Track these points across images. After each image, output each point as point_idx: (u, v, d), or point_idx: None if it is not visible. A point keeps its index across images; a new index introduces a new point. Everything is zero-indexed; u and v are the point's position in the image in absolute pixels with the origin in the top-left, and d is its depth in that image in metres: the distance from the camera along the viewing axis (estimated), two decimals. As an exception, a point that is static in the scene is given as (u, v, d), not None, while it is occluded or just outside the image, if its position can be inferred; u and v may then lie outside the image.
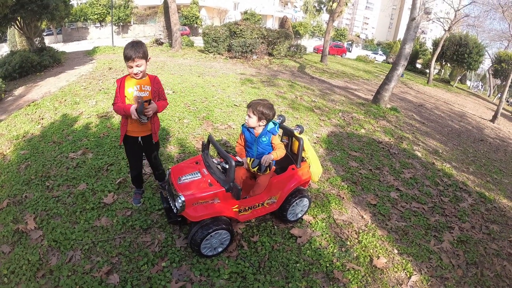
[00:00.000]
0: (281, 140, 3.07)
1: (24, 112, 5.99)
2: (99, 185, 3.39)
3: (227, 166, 2.47)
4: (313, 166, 2.97)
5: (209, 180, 2.38)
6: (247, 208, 2.56)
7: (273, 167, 2.86)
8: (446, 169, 5.27)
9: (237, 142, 2.84)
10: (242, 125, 2.76)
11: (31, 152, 4.20)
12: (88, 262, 2.45)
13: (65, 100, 6.39)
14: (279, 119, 2.91)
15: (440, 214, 3.76)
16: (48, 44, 15.37)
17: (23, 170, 3.75)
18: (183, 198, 2.20)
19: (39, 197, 3.21)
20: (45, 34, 21.56)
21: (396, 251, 2.94)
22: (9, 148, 4.44)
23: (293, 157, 2.94)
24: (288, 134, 2.96)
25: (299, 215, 3.06)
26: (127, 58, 2.45)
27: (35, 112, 5.89)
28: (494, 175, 5.70)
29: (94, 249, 2.57)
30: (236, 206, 2.45)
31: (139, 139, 2.74)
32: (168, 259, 2.47)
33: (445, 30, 22.24)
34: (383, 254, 2.86)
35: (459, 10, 20.75)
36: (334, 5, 20.25)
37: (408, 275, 2.68)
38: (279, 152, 2.62)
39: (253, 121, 2.57)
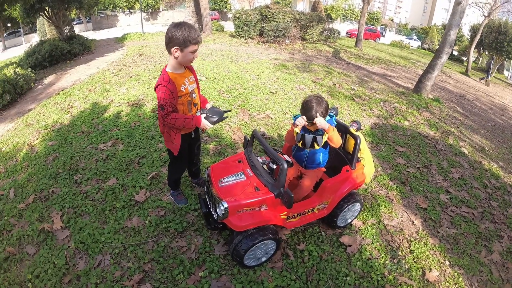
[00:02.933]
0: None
1: (53, 100, 5.94)
2: (130, 180, 3.17)
3: (274, 166, 2.16)
4: (367, 167, 2.64)
5: (255, 184, 2.07)
6: (295, 214, 2.25)
7: (323, 168, 2.52)
8: (494, 169, 4.91)
9: (285, 139, 2.49)
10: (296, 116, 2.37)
11: (59, 143, 4.08)
12: (118, 268, 2.25)
13: (95, 88, 6.29)
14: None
15: (489, 220, 3.48)
16: (78, 32, 15.52)
17: (51, 163, 3.62)
18: (226, 205, 1.91)
19: (66, 192, 3.04)
20: (74, 23, 21.96)
21: (447, 263, 2.71)
22: (37, 139, 4.34)
23: (347, 157, 2.57)
24: (342, 131, 2.56)
25: (349, 221, 2.75)
26: (195, 42, 2.04)
27: (65, 101, 5.81)
28: None
29: (124, 254, 2.36)
30: (285, 213, 2.14)
31: (192, 132, 2.48)
32: (206, 268, 2.22)
33: (484, 16, 20.57)
34: (435, 266, 2.63)
35: (500, -6, 19.07)
36: (367, -14, 19.15)
37: None
38: (336, 134, 2.26)
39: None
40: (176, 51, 2.05)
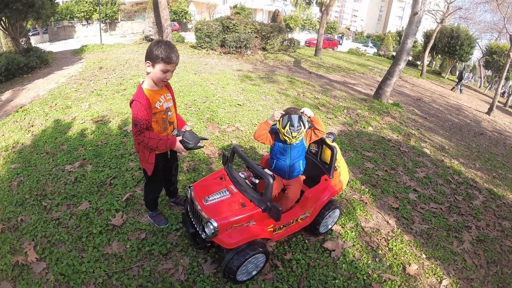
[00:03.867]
0: (308, 148, 2.82)
1: (12, 119, 5.53)
2: (104, 203, 3.03)
3: (256, 181, 2.20)
4: (343, 175, 2.78)
5: (240, 200, 2.09)
6: (281, 226, 2.30)
7: (303, 176, 2.61)
8: (455, 166, 5.33)
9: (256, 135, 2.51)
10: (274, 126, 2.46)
11: (22, 166, 3.79)
12: None
13: (55, 104, 5.95)
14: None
15: (457, 213, 3.80)
16: (34, 44, 14.69)
17: (16, 188, 3.35)
18: (215, 224, 1.91)
19: (36, 220, 2.83)
20: (30, 34, 20.68)
21: (424, 256, 2.93)
22: (-2, 162, 4.01)
23: (324, 167, 2.68)
24: (318, 142, 2.68)
25: (330, 227, 2.87)
26: (170, 62, 2.01)
27: (24, 119, 5.45)
28: (499, 170, 5.79)
29: (109, 282, 2.24)
30: (272, 225, 2.18)
31: (168, 152, 2.44)
32: (197, 289, 2.19)
33: (437, 22, 22.27)
34: (413, 261, 2.83)
35: (451, 2, 20.77)
36: (325, -2, 20.02)
37: (439, 280, 2.70)
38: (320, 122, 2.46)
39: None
40: (148, 65, 2.05)
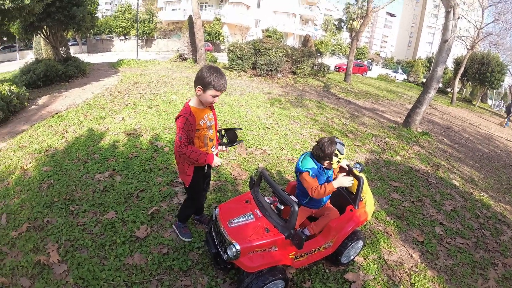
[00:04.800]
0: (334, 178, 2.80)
1: (47, 123, 5.85)
2: (130, 214, 3.11)
3: (282, 207, 2.20)
4: (369, 205, 2.72)
5: (264, 225, 2.09)
6: (303, 254, 2.28)
7: (328, 204, 2.59)
8: (484, 199, 5.10)
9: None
10: (311, 168, 2.43)
11: (54, 170, 3.98)
12: None
13: (90, 114, 6.26)
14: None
15: (483, 249, 3.61)
16: (73, 54, 15.60)
17: (45, 190, 3.52)
18: (238, 247, 1.93)
19: (62, 223, 2.95)
20: (70, 44, 22.07)
21: None
22: (30, 163, 4.23)
23: (350, 197, 2.65)
24: (346, 172, 2.66)
25: (352, 257, 2.79)
26: (220, 89, 2.20)
27: (59, 125, 5.74)
28: None
29: (127, 292, 2.28)
30: (293, 253, 2.16)
31: (206, 167, 2.55)
32: (214, 310, 2.18)
33: (467, 49, 21.79)
34: None
35: (481, 28, 20.32)
36: (355, 23, 20.34)
37: None
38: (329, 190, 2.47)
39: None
40: (199, 90, 2.21)
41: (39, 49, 18.30)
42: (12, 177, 3.86)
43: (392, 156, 6.07)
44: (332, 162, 2.40)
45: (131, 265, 2.51)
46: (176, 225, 2.89)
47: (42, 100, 8.12)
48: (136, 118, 6.01)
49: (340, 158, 2.41)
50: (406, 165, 5.74)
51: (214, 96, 2.22)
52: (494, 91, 31.54)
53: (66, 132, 5.34)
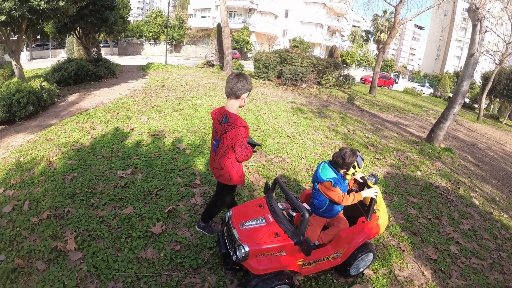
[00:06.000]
0: (350, 189, 2.81)
1: (75, 119, 6.15)
2: (147, 211, 3.25)
3: (294, 214, 2.24)
4: (382, 218, 2.70)
5: (275, 230, 2.14)
6: (311, 261, 2.30)
7: (341, 214, 2.61)
8: (504, 220, 4.91)
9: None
10: (332, 178, 2.48)
11: (78, 163, 4.18)
12: None
13: (117, 113, 6.52)
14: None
15: (498, 271, 3.48)
16: (104, 55, 16.34)
17: (68, 182, 3.70)
18: (247, 249, 1.99)
19: (82, 214, 3.10)
20: (101, 45, 23.08)
21: None
22: (56, 155, 4.45)
23: (363, 208, 2.65)
24: (360, 183, 2.67)
25: (361, 270, 2.78)
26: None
27: (87, 122, 6.02)
28: None
29: (137, 284, 2.38)
30: (302, 259, 2.19)
31: None
32: (220, 310, 2.24)
33: (496, 63, 20.98)
34: None
35: (510, 43, 19.52)
36: (382, 35, 20.11)
37: None
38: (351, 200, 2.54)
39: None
40: (248, 96, 2.45)
41: (71, 48, 19.25)
42: (37, 167, 4.09)
43: (412, 171, 5.94)
44: (348, 172, 2.43)
45: (144, 259, 2.62)
46: (201, 226, 2.99)
47: (71, 98, 8.55)
48: (161, 120, 6.21)
49: (356, 171, 2.44)
50: (426, 181, 5.60)
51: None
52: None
53: (93, 129, 5.60)
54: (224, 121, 2.39)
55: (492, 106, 30.48)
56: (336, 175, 2.45)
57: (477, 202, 5.27)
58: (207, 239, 2.91)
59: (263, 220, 2.23)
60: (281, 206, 2.38)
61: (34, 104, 6.89)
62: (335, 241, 2.40)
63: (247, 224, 2.19)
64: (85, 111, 6.80)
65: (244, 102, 2.46)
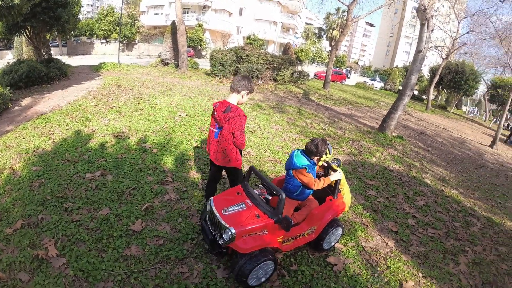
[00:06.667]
0: (317, 173, 3.10)
1: (32, 124, 5.82)
2: (124, 210, 3.27)
3: (269, 197, 2.46)
4: (346, 197, 3.04)
5: (255, 212, 2.34)
6: (289, 238, 2.55)
7: (311, 196, 2.88)
8: (455, 195, 5.50)
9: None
10: (306, 165, 2.74)
11: (44, 169, 4.03)
12: None
13: (76, 116, 6.29)
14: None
15: (454, 238, 3.97)
16: (53, 55, 15.31)
17: (37, 189, 3.57)
18: (233, 231, 2.17)
19: (58, 220, 3.04)
20: (50, 45, 21.65)
21: (421, 275, 3.11)
22: (18, 163, 4.24)
23: (329, 189, 2.95)
24: (325, 167, 2.99)
25: (332, 244, 3.10)
26: (252, 92, 2.97)
27: (45, 126, 5.74)
28: (498, 200, 5.94)
29: (127, 281, 2.44)
30: (281, 237, 2.42)
31: None
32: (210, 291, 2.39)
33: (443, 58, 22.90)
34: (410, 278, 3.04)
35: (457, 39, 21.51)
36: (335, 32, 21.06)
37: None
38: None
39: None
40: (247, 94, 2.92)
41: (20, 49, 17.87)
42: (1, 177, 3.88)
43: (368, 158, 6.47)
44: (320, 159, 2.72)
45: (129, 256, 2.68)
46: None
47: (25, 101, 8.02)
48: (122, 121, 6.11)
49: (327, 157, 2.74)
50: (381, 165, 6.14)
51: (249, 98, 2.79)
52: (469, 98, 33.16)
53: (53, 133, 5.36)
54: (227, 110, 2.74)
55: (440, 97, 33.24)
56: (309, 162, 2.70)
57: (428, 182, 5.86)
58: (188, 231, 3.03)
59: (243, 205, 2.43)
60: (257, 192, 2.60)
61: (-12, 110, 6.41)
62: (308, 219, 2.68)
63: (229, 209, 2.37)
64: (42, 115, 6.44)
65: (243, 98, 2.89)
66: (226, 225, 2.23)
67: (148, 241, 2.86)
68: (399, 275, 3.03)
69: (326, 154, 2.75)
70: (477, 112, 39.82)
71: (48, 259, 2.56)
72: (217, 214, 2.36)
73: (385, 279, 2.94)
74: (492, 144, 13.31)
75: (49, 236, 2.83)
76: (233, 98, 2.88)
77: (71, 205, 3.30)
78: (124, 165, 4.25)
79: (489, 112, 31.96)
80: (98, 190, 3.63)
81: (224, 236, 2.21)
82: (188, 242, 2.90)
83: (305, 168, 2.67)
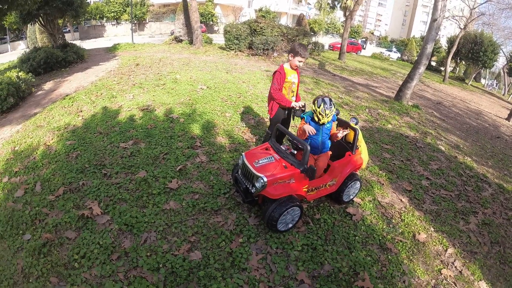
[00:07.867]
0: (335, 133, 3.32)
1: (59, 105, 6.12)
2: (160, 172, 3.56)
3: (295, 152, 2.71)
4: (364, 154, 3.27)
5: (283, 163, 2.61)
6: (313, 188, 2.83)
7: (329, 152, 3.11)
8: (468, 162, 5.63)
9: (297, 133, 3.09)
10: (304, 116, 3.02)
11: (78, 142, 4.30)
12: (165, 242, 2.59)
13: (101, 94, 6.57)
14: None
15: (465, 200, 4.16)
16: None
17: (74, 159, 3.83)
18: (265, 179, 2.45)
19: (98, 184, 3.29)
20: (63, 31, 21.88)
21: (432, 229, 3.36)
22: (52, 139, 4.53)
23: (348, 145, 3.19)
24: (343, 126, 3.21)
25: (351, 197, 3.37)
26: (303, 57, 3.26)
27: (72, 105, 6.02)
28: (511, 169, 6.04)
29: (169, 230, 2.74)
30: (306, 186, 2.69)
31: (285, 112, 3.51)
32: (244, 236, 2.71)
33: (460, 28, 22.11)
34: (422, 231, 3.28)
35: (474, 8, 20.66)
36: (349, 2, 20.45)
37: (445, 248, 3.12)
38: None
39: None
40: (291, 57, 3.30)
41: (33, 38, 18.19)
42: (36, 153, 4.17)
43: (384, 125, 6.62)
44: (321, 113, 2.87)
45: (169, 210, 2.99)
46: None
47: (47, 86, 8.34)
48: (146, 95, 6.37)
49: (327, 113, 2.86)
50: (396, 132, 6.29)
51: (299, 62, 3.27)
52: (488, 70, 32.05)
53: (81, 111, 5.65)
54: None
55: (458, 68, 32.15)
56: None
57: (443, 148, 5.99)
58: (220, 187, 3.34)
59: (272, 158, 2.70)
60: (283, 147, 2.86)
61: (14, 96, 6.72)
62: (330, 171, 2.95)
63: (260, 161, 2.65)
64: (67, 95, 6.74)
65: (292, 59, 3.28)
66: (259, 174, 2.50)
67: (184, 197, 3.18)
68: (413, 227, 3.29)
69: (323, 116, 2.87)
70: (496, 86, 38.50)
71: (93, 217, 2.80)
72: (249, 166, 2.64)
73: (400, 230, 3.21)
74: (509, 117, 13.14)
75: (91, 198, 3.07)
76: (288, 60, 3.37)
77: (110, 171, 3.57)
78: (154, 134, 4.52)
79: (508, 85, 30.89)
80: (133, 157, 3.90)
81: (257, 184, 2.50)
82: (221, 196, 3.22)
83: (303, 118, 3.02)
